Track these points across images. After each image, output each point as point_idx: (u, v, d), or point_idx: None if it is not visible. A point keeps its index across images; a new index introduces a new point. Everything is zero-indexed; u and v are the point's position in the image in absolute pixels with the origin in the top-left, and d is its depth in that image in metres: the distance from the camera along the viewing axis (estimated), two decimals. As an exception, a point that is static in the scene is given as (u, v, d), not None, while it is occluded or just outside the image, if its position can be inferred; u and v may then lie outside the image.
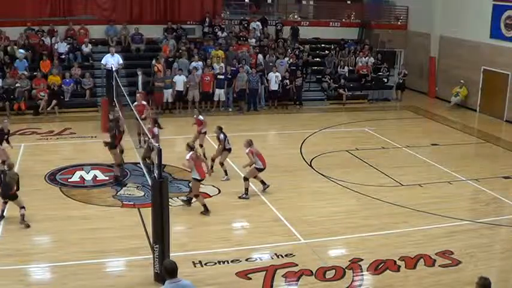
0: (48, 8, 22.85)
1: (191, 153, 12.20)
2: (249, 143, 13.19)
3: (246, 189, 13.18)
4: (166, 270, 6.68)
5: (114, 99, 17.09)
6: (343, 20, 27.61)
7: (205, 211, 12.13)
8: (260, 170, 13.26)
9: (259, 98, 22.13)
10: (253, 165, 13.18)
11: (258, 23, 25.26)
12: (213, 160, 14.50)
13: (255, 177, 13.35)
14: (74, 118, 19.69)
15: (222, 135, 14.25)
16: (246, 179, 13.24)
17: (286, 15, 27.27)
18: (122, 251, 10.46)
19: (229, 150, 14.30)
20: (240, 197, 13.12)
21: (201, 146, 15.41)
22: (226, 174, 14.21)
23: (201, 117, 15.61)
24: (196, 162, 12.14)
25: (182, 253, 10.22)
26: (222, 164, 14.28)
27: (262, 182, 13.48)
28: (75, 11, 23.22)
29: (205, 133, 15.54)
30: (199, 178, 12.14)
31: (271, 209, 12.63)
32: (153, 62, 21.30)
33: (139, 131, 15.77)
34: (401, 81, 24.64)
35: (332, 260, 10.46)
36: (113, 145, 13.95)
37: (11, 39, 21.74)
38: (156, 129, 14.19)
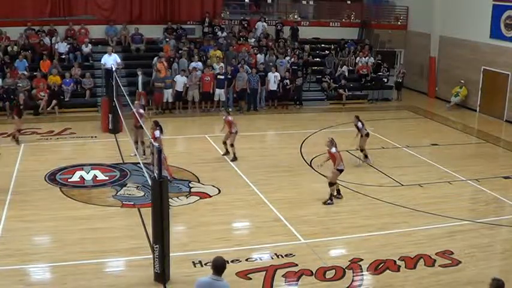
0: (48, 8, 22.88)
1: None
2: (332, 143, 12.95)
3: (331, 195, 12.95)
4: (214, 265, 6.63)
5: (114, 99, 17.09)
6: (343, 20, 27.62)
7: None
8: (341, 171, 13.01)
9: (259, 98, 22.14)
10: (335, 167, 12.88)
11: (265, 23, 25.28)
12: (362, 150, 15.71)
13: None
14: (74, 118, 19.69)
15: (359, 124, 15.58)
16: (331, 184, 12.94)
17: (286, 15, 27.28)
18: (122, 251, 10.46)
19: (368, 135, 15.71)
20: (324, 203, 12.90)
21: (232, 145, 15.59)
22: (367, 157, 15.74)
23: (230, 117, 15.66)
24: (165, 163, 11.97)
25: (182, 253, 10.23)
26: (362, 150, 15.74)
27: (338, 191, 13.28)
28: (75, 11, 23.25)
29: (236, 132, 15.59)
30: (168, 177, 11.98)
31: (271, 209, 12.63)
32: (155, 60, 21.31)
33: (137, 139, 15.54)
34: (400, 80, 24.69)
35: (332, 260, 10.46)
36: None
37: (11, 39, 21.76)
38: (157, 132, 14.10)
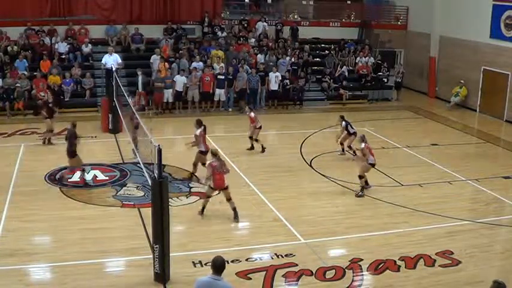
0: (48, 8, 22.86)
1: (213, 160, 11.86)
2: (363, 138, 13.57)
3: (362, 187, 13.41)
4: (214, 264, 6.67)
5: (114, 99, 17.09)
6: (343, 20, 27.62)
7: (201, 212, 12.09)
8: (373, 165, 13.52)
9: (259, 98, 22.14)
10: (366, 161, 13.46)
11: (265, 23, 25.28)
12: (341, 144, 16.07)
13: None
14: (74, 118, 19.58)
15: (343, 123, 15.85)
16: (361, 176, 13.46)
17: (286, 15, 27.28)
18: (122, 251, 10.46)
19: (355, 134, 15.65)
20: (356, 195, 13.40)
21: (257, 140, 16.24)
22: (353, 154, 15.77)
23: (252, 114, 16.18)
24: (214, 171, 11.72)
25: (182, 253, 10.24)
26: (349, 147, 16.06)
27: (366, 182, 13.66)
28: (75, 11, 23.23)
29: (260, 128, 16.21)
30: (213, 187, 11.92)
31: (271, 209, 12.63)
32: (157, 57, 21.28)
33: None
34: (399, 80, 24.71)
35: (332, 260, 10.46)
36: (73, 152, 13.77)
37: (11, 39, 21.76)
38: (198, 131, 14.15)
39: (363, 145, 13.46)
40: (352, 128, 16.06)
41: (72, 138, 13.73)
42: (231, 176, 14.20)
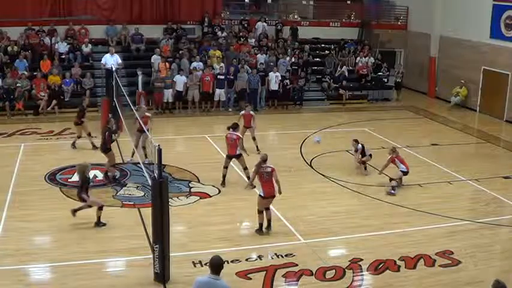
0: (48, 8, 22.87)
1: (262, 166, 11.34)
2: (394, 151, 14.08)
3: (393, 187, 13.78)
4: (212, 263, 6.71)
5: (114, 99, 17.08)
6: (343, 20, 27.62)
7: (259, 231, 11.35)
8: (405, 173, 13.94)
9: (259, 98, 22.14)
10: (399, 169, 13.91)
11: (265, 23, 25.29)
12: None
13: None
14: (74, 118, 19.62)
15: (359, 146, 15.09)
16: (391, 179, 13.89)
17: (286, 15, 27.27)
18: (121, 251, 10.46)
19: (370, 155, 15.12)
20: (387, 193, 13.68)
21: (254, 139, 16.13)
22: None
23: (251, 112, 16.18)
24: (261, 179, 11.26)
25: (182, 253, 10.23)
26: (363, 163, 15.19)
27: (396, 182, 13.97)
28: (75, 11, 23.24)
29: (251, 127, 16.17)
30: (262, 195, 11.19)
31: (271, 209, 12.60)
32: (155, 57, 21.27)
33: (137, 143, 15.07)
34: (399, 80, 24.71)
35: (332, 260, 10.46)
36: (107, 148, 13.91)
37: (11, 39, 21.76)
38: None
39: (393, 156, 13.92)
40: (368, 150, 15.32)
41: (106, 134, 13.89)
42: (231, 176, 14.25)
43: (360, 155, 15.05)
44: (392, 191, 13.68)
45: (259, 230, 11.34)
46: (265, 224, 11.36)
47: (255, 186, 12.37)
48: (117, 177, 14.10)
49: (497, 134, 19.93)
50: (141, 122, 13.93)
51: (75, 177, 14.01)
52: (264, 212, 11.30)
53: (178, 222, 11.48)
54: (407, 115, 22.50)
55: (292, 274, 9.82)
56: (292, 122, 20.66)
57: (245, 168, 13.76)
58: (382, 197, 13.52)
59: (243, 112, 16.35)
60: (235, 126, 13.90)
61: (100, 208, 11.40)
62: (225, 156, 14.04)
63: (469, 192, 14.43)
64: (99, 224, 11.38)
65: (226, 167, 13.81)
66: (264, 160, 11.41)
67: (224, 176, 13.77)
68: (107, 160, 14.05)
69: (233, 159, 13.81)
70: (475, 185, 14.64)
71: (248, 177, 13.11)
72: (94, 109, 20.38)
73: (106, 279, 9.63)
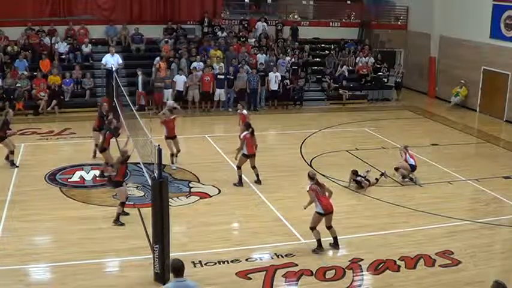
0: (48, 8, 22.86)
1: (311, 183, 10.73)
2: (405, 152, 14.60)
3: (408, 179, 14.53)
4: (172, 268, 6.85)
5: (114, 99, 17.09)
6: (343, 20, 27.61)
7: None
8: (413, 168, 14.53)
9: (259, 98, 22.14)
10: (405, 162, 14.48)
11: (265, 23, 25.29)
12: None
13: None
14: (74, 118, 19.69)
15: (359, 178, 14.04)
16: (396, 168, 14.63)
17: (286, 15, 27.28)
18: (121, 251, 10.46)
19: (377, 179, 14.50)
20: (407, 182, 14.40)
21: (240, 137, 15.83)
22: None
23: (244, 111, 15.83)
24: (317, 195, 10.62)
25: (182, 253, 10.20)
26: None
27: (404, 176, 14.57)
28: (75, 11, 23.24)
29: None
30: (322, 212, 10.60)
31: (271, 209, 12.64)
32: (157, 59, 21.29)
33: (172, 152, 14.75)
34: (399, 80, 24.72)
35: (332, 260, 10.47)
36: (104, 149, 13.89)
37: (10, 39, 21.76)
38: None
39: (406, 155, 14.52)
40: (368, 180, 14.34)
41: (106, 134, 13.95)
42: (231, 176, 14.26)
43: (368, 182, 14.08)
44: (406, 179, 14.40)
45: (319, 247, 10.68)
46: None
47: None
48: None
49: (497, 134, 19.93)
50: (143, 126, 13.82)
51: (76, 177, 14.12)
52: (329, 231, 10.74)
53: (178, 222, 11.47)
54: (407, 115, 22.50)
55: (292, 274, 9.83)
56: (292, 122, 20.67)
57: (254, 167, 13.87)
58: (382, 197, 13.53)
59: (238, 112, 16.17)
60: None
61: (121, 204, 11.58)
62: (238, 156, 13.83)
63: (469, 192, 14.44)
64: (117, 221, 11.50)
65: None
66: (312, 178, 10.76)
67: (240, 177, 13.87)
68: (103, 160, 14.02)
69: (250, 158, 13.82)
70: (475, 185, 14.64)
71: (257, 175, 13.79)
72: (94, 109, 20.41)
73: (106, 279, 9.63)
